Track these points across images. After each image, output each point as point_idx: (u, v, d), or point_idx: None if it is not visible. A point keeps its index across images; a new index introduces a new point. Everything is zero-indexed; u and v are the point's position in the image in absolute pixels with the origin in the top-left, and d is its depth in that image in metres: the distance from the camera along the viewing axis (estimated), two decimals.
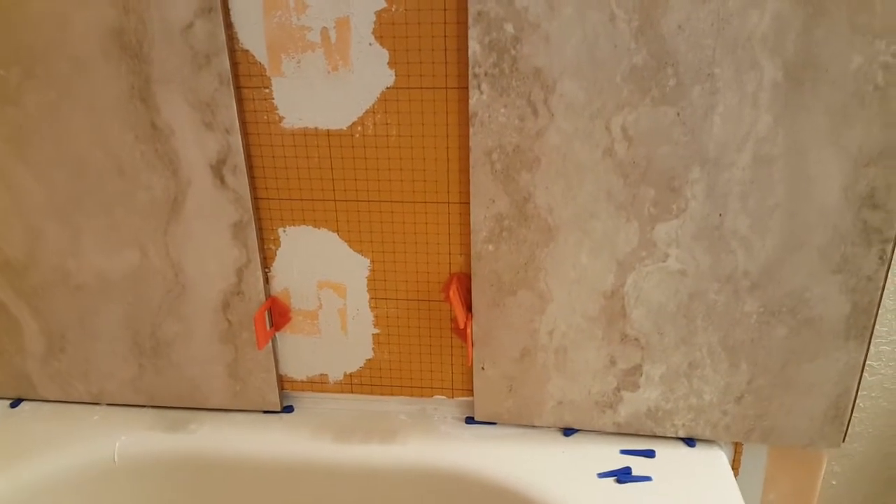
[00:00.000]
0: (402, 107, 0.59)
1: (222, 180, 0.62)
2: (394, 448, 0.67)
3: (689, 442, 0.66)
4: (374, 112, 0.59)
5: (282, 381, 0.72)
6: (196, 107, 0.60)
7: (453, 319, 0.67)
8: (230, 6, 0.57)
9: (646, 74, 0.53)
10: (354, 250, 0.65)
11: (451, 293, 0.62)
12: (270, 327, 0.68)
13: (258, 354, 0.69)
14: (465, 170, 0.60)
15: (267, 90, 0.60)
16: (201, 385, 0.71)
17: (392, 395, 0.72)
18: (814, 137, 0.54)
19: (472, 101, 0.56)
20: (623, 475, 0.62)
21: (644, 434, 0.67)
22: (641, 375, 0.64)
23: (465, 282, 0.65)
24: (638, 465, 0.63)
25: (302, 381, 0.72)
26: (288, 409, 0.73)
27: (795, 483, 0.69)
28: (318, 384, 0.72)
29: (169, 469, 0.68)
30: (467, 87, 0.57)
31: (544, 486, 0.61)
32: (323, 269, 0.66)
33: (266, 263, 0.67)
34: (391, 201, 0.63)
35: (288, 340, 0.70)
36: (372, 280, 0.66)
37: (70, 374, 0.73)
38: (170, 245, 0.66)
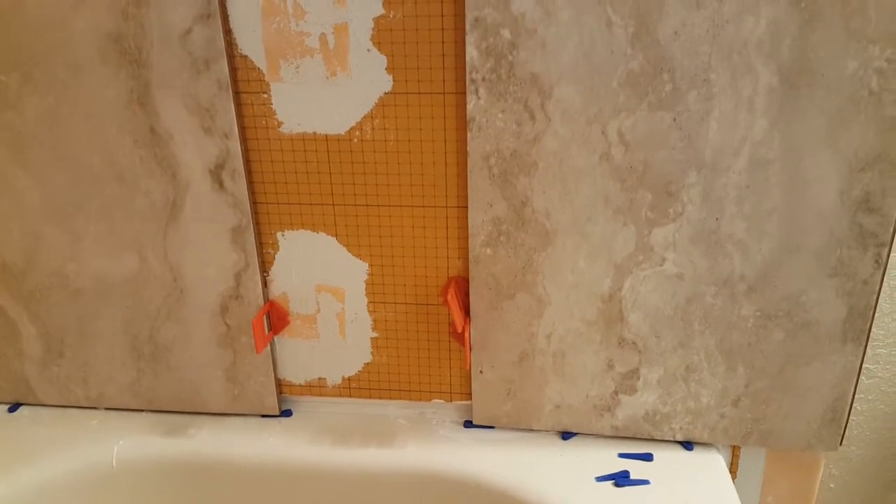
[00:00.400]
0: (400, 112, 0.59)
1: (221, 185, 0.62)
2: (392, 452, 0.67)
3: (687, 445, 0.66)
4: (372, 117, 0.60)
5: (280, 385, 0.72)
6: (195, 112, 0.60)
7: (451, 323, 0.67)
8: (229, 12, 0.57)
9: (642, 80, 0.54)
10: (353, 254, 0.65)
11: (450, 297, 0.62)
12: (269, 331, 0.69)
13: (256, 358, 0.69)
14: (462, 174, 0.61)
15: (266, 95, 0.60)
16: (200, 389, 0.71)
17: (390, 398, 0.72)
18: (809, 142, 0.54)
19: (469, 107, 0.56)
20: (621, 479, 0.62)
21: (642, 437, 0.67)
22: (639, 379, 0.64)
23: (463, 286, 0.65)
24: (636, 469, 0.63)
25: (300, 385, 0.72)
26: (286, 413, 0.73)
27: (793, 486, 0.69)
28: (317, 388, 0.72)
29: (167, 473, 0.68)
30: (465, 93, 0.57)
31: (542, 489, 0.61)
32: (321, 273, 0.67)
33: (264, 267, 0.67)
34: (389, 205, 0.63)
35: (286, 344, 0.70)
36: (370, 284, 0.66)
37: (69, 378, 0.73)
38: (168, 249, 0.66)
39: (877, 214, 0.55)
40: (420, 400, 0.71)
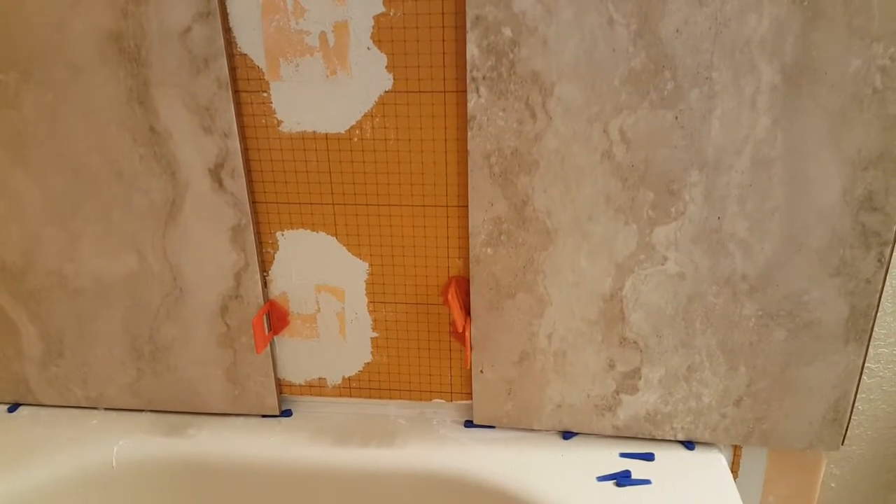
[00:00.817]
0: (400, 110, 0.59)
1: (220, 184, 0.62)
2: (392, 452, 0.66)
3: (689, 445, 0.66)
4: (372, 116, 0.59)
5: (280, 385, 0.72)
6: (194, 111, 0.60)
7: (452, 323, 0.67)
8: (228, 10, 0.57)
9: (644, 78, 0.53)
10: (353, 254, 0.65)
11: (450, 296, 0.62)
12: (269, 331, 0.68)
13: (256, 358, 0.69)
14: (463, 173, 0.60)
15: (265, 94, 0.60)
16: (200, 389, 0.71)
17: (391, 398, 0.71)
18: (812, 140, 0.54)
19: (470, 105, 0.56)
20: (622, 478, 0.62)
21: (643, 437, 0.67)
22: (640, 378, 0.64)
23: (463, 285, 0.65)
24: (637, 469, 0.63)
25: (300, 385, 0.72)
26: (286, 413, 0.73)
27: (794, 486, 0.69)
28: (317, 388, 0.72)
29: (167, 473, 0.68)
30: (465, 91, 0.57)
31: (543, 489, 0.61)
32: (321, 272, 0.66)
33: (264, 267, 0.67)
34: (389, 205, 0.63)
35: (286, 344, 0.70)
36: (370, 284, 0.66)
37: (68, 378, 0.73)
38: (168, 249, 0.65)
39: (880, 213, 0.55)
40: (420, 400, 0.71)
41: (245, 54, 0.59)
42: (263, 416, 0.72)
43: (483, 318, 0.64)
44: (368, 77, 0.58)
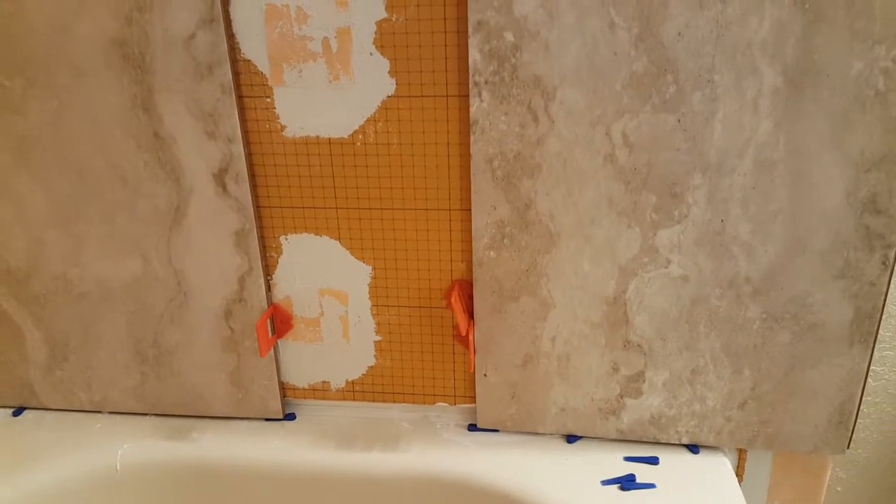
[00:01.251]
0: (402, 115, 0.59)
1: (224, 189, 0.62)
2: (396, 455, 0.66)
3: (693, 448, 0.66)
4: (375, 120, 0.60)
5: (284, 388, 0.72)
6: (198, 116, 0.60)
7: (455, 326, 0.67)
8: (232, 17, 0.58)
9: (646, 81, 0.53)
10: (356, 258, 0.65)
11: (453, 300, 0.62)
12: (272, 335, 0.68)
13: (260, 362, 0.69)
14: (466, 177, 0.61)
15: (269, 99, 0.60)
16: (203, 393, 0.71)
17: (394, 402, 0.71)
18: (815, 143, 0.54)
19: (472, 109, 0.56)
20: (627, 482, 0.62)
21: (647, 441, 0.67)
22: (644, 382, 0.64)
23: (466, 288, 0.65)
24: (641, 472, 0.63)
25: (304, 389, 0.72)
26: (290, 417, 0.73)
27: (800, 489, 0.68)
28: (321, 391, 0.72)
29: (171, 477, 0.68)
30: (468, 95, 0.57)
31: (547, 493, 0.61)
32: (325, 276, 0.67)
33: (268, 271, 0.67)
34: (392, 209, 0.63)
35: (290, 348, 0.70)
36: (373, 287, 0.66)
37: (72, 382, 0.73)
38: (172, 253, 0.66)
39: (884, 216, 0.55)
40: (424, 403, 0.71)
41: (248, 60, 0.59)
42: (267, 419, 0.72)
43: (486, 322, 0.64)
44: (371, 82, 0.58)
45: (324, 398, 0.72)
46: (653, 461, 0.64)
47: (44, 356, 0.72)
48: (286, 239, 0.66)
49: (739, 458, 0.68)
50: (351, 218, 0.64)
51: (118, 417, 0.74)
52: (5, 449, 0.69)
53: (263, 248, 0.66)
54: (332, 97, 0.59)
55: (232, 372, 0.70)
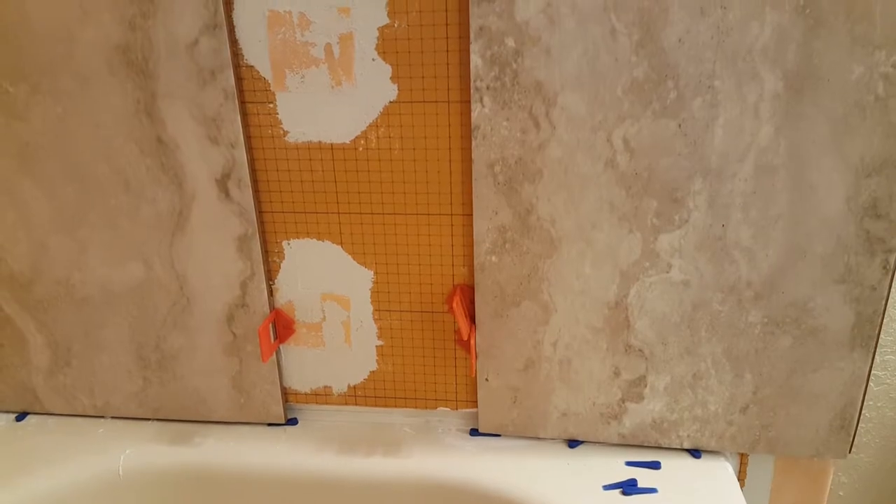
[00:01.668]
0: (404, 120, 0.59)
1: (227, 194, 0.63)
2: (398, 460, 0.66)
3: (695, 453, 0.66)
4: (377, 126, 0.60)
5: (286, 393, 0.72)
6: (201, 121, 0.60)
7: (457, 331, 0.67)
8: (235, 23, 0.58)
9: (647, 87, 0.54)
10: (358, 262, 0.66)
11: (455, 304, 0.62)
12: (275, 340, 0.69)
13: (262, 367, 0.69)
14: (467, 182, 0.61)
15: (271, 105, 0.60)
16: (206, 398, 0.71)
17: (396, 406, 0.71)
18: (815, 148, 0.54)
19: (474, 115, 0.57)
20: (628, 487, 0.62)
21: (649, 445, 0.67)
22: (646, 386, 0.64)
23: (468, 293, 0.65)
24: (643, 477, 0.63)
25: (306, 394, 0.72)
26: (292, 422, 0.73)
27: (802, 494, 0.68)
28: (323, 396, 0.72)
29: (174, 482, 0.68)
30: (469, 101, 0.57)
31: (549, 498, 0.61)
32: (327, 281, 0.67)
33: (270, 276, 0.67)
34: (394, 214, 0.63)
35: (292, 353, 0.70)
36: (375, 292, 0.66)
37: (75, 387, 0.73)
38: (175, 258, 0.66)
39: (884, 220, 0.55)
40: (426, 408, 0.71)
41: (251, 66, 0.59)
42: (269, 424, 0.72)
43: (488, 326, 0.64)
44: (373, 88, 0.58)
45: (326, 403, 0.72)
46: (654, 466, 0.64)
47: (47, 361, 0.72)
48: (288, 244, 0.66)
49: (741, 463, 0.68)
50: (353, 223, 0.64)
51: (121, 422, 0.74)
52: (8, 454, 0.69)
53: (266, 253, 0.66)
54: (335, 103, 0.59)
55: (234, 377, 0.70)
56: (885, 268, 0.56)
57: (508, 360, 0.65)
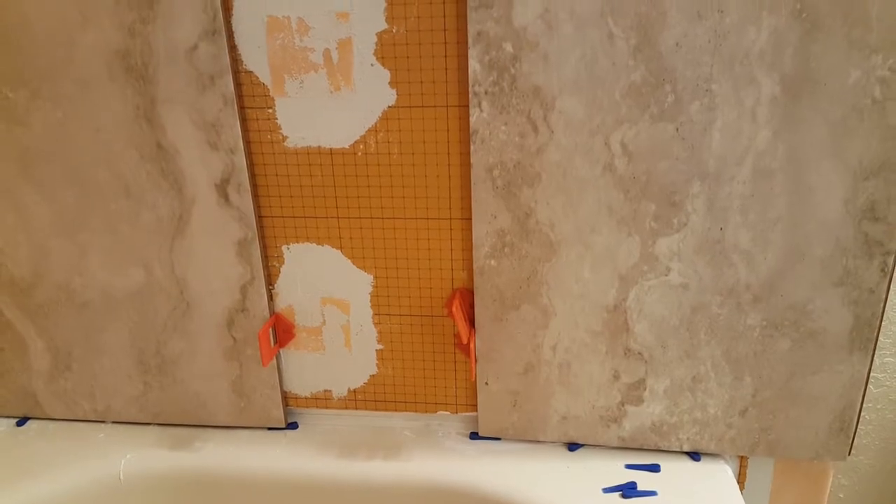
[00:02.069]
0: (403, 125, 0.59)
1: (227, 199, 0.63)
2: (398, 464, 0.67)
3: (694, 456, 0.66)
4: (376, 131, 0.60)
5: (286, 397, 0.72)
6: (201, 127, 0.60)
7: (456, 335, 0.67)
8: (234, 29, 0.58)
9: (644, 91, 0.54)
10: (357, 267, 0.66)
11: (454, 308, 0.63)
12: (275, 344, 0.69)
13: (263, 371, 0.69)
14: (466, 186, 0.61)
15: (270, 110, 0.61)
16: (206, 402, 0.72)
17: (396, 410, 0.72)
18: (813, 151, 0.54)
19: (472, 119, 0.57)
20: (628, 490, 0.62)
21: (649, 448, 0.67)
22: (645, 389, 0.64)
23: (467, 297, 0.65)
24: (643, 480, 0.63)
25: (306, 398, 0.72)
26: (292, 426, 0.73)
27: (802, 496, 0.68)
28: (323, 400, 0.72)
29: (174, 486, 0.68)
30: (468, 106, 0.57)
31: (549, 501, 0.61)
32: (326, 285, 0.67)
33: (270, 280, 0.67)
34: (393, 218, 0.63)
35: (292, 357, 0.71)
36: (375, 296, 0.67)
37: (76, 392, 0.73)
38: (175, 263, 0.66)
39: (882, 223, 0.55)
40: (426, 412, 0.71)
41: (250, 71, 0.59)
42: (269, 428, 0.73)
43: (487, 330, 0.64)
44: (372, 93, 0.59)
45: (326, 407, 0.72)
46: (654, 469, 0.64)
47: (47, 366, 0.73)
48: (288, 248, 0.66)
49: (741, 466, 0.68)
50: (352, 227, 0.64)
51: (121, 427, 0.74)
52: (9, 459, 0.69)
53: (265, 258, 0.66)
54: (334, 108, 0.60)
55: (234, 381, 0.70)
56: (883, 270, 0.56)
57: (508, 363, 0.65)
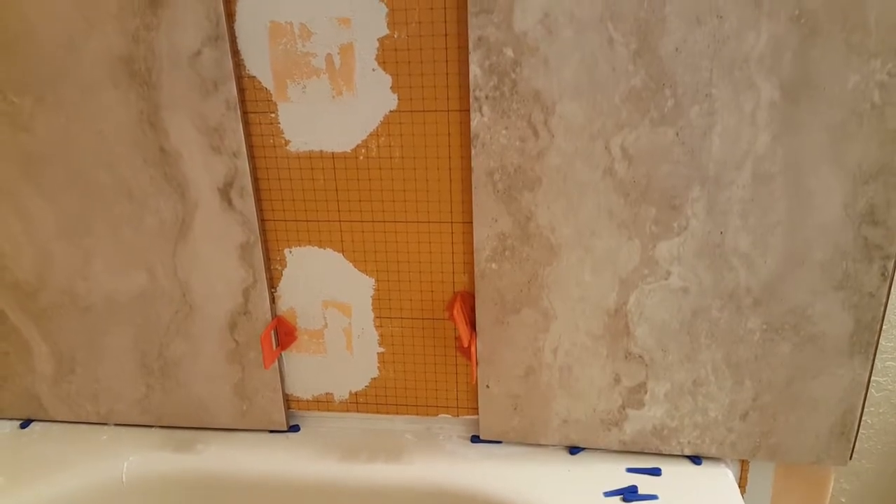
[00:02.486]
0: (405, 129, 0.60)
1: (229, 203, 0.63)
2: (399, 467, 0.67)
3: (695, 460, 0.66)
4: (377, 135, 0.60)
5: (288, 400, 0.73)
6: (204, 131, 0.61)
7: (458, 338, 0.67)
8: (237, 34, 0.59)
9: (644, 95, 0.54)
10: (359, 270, 0.66)
11: (455, 312, 0.63)
12: (277, 347, 0.69)
13: (265, 374, 0.70)
14: (467, 190, 0.61)
15: (273, 115, 0.61)
16: (208, 405, 0.72)
17: (397, 413, 0.72)
18: (813, 155, 0.54)
19: (473, 124, 0.57)
20: (629, 494, 0.62)
21: (650, 452, 0.67)
22: (646, 393, 0.64)
23: (468, 300, 0.65)
24: (644, 484, 0.63)
25: (308, 401, 0.73)
26: (294, 429, 0.73)
27: (803, 501, 0.68)
28: (324, 403, 0.72)
29: (176, 489, 0.68)
30: (469, 110, 0.58)
31: None
32: (328, 288, 0.67)
33: (272, 284, 0.68)
34: (395, 221, 0.64)
35: (294, 360, 0.71)
36: (377, 299, 0.67)
37: (79, 394, 0.74)
38: (178, 266, 0.66)
39: (882, 227, 0.55)
40: (427, 415, 0.71)
41: (253, 76, 0.60)
42: (271, 431, 0.73)
43: (488, 333, 0.64)
44: (373, 97, 0.59)
45: (327, 410, 0.73)
46: (655, 472, 0.64)
47: (51, 369, 0.73)
48: (290, 252, 0.66)
49: (742, 470, 0.68)
50: (354, 231, 0.65)
51: (124, 429, 0.74)
52: (13, 461, 0.70)
53: (268, 261, 0.67)
54: (336, 112, 0.60)
55: (236, 384, 0.70)
56: (883, 274, 0.57)
57: (509, 366, 0.65)
